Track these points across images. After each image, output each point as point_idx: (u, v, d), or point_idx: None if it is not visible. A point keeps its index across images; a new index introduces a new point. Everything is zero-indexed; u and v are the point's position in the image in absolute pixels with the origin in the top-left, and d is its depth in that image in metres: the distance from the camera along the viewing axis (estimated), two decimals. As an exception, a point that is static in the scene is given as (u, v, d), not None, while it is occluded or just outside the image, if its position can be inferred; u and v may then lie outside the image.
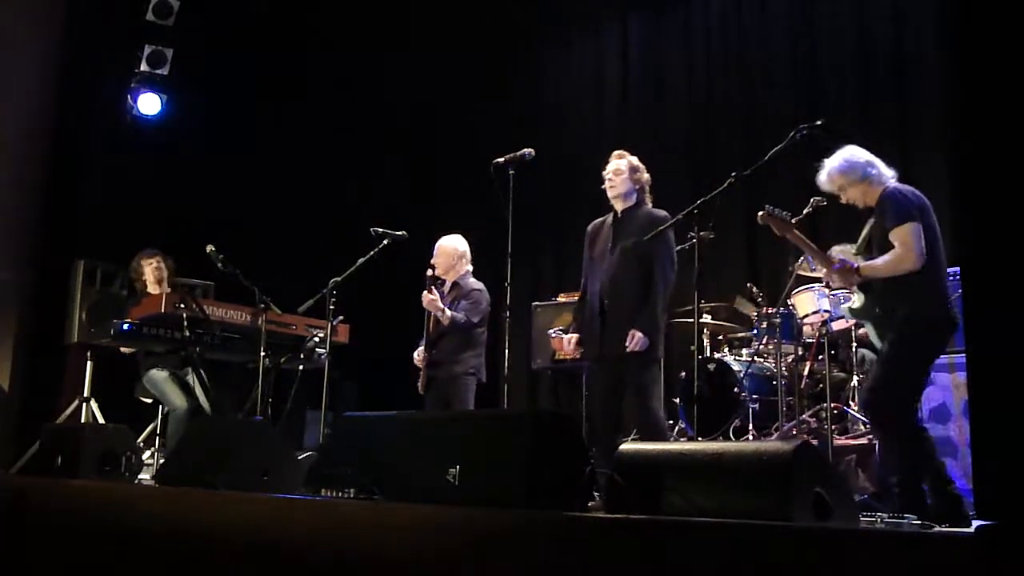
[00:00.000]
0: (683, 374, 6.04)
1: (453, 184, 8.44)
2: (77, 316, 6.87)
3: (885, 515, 3.73)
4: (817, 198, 5.09)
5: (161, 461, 5.48)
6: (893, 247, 3.89)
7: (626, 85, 8.22)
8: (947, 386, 4.96)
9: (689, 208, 4.39)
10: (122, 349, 6.15)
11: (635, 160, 4.89)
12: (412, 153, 9.13)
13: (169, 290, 6.13)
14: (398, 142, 9.08)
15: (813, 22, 7.17)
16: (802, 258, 5.20)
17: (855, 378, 5.58)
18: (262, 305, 5.73)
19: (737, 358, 6.15)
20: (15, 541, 3.85)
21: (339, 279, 5.47)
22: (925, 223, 3.88)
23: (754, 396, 5.82)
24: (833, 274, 4.11)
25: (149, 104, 7.91)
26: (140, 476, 4.70)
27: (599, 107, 8.39)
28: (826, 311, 5.59)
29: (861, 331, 5.42)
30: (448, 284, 5.62)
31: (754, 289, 6.26)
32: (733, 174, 4.27)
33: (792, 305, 5.80)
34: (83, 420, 6.22)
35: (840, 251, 4.27)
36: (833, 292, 5.42)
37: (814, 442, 5.06)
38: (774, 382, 5.82)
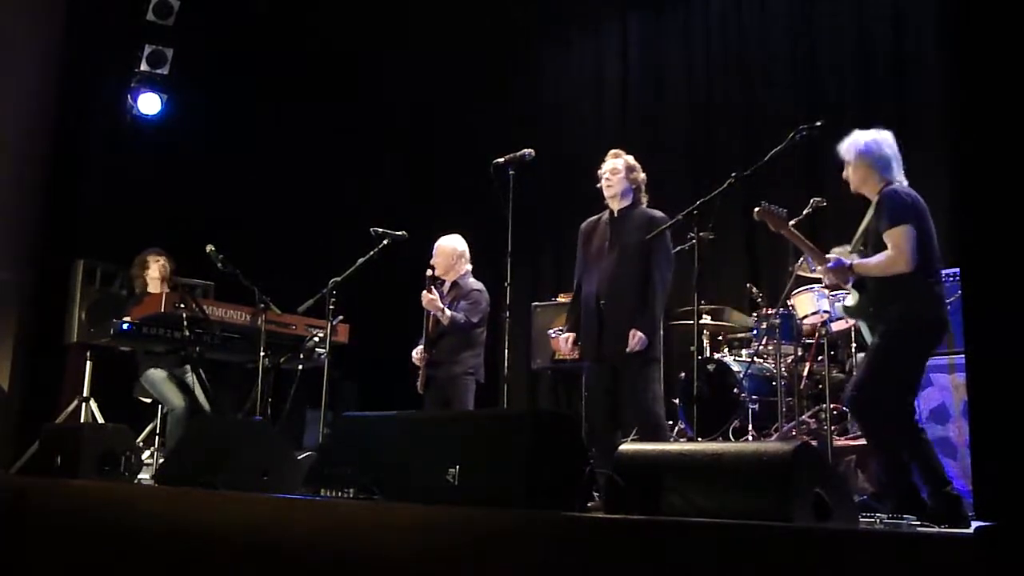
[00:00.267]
0: (683, 375, 6.03)
1: (453, 184, 8.44)
2: (77, 316, 6.87)
3: (885, 516, 3.74)
4: (817, 198, 5.09)
5: (161, 461, 5.48)
6: (886, 247, 3.90)
7: (626, 85, 8.21)
8: (946, 387, 4.95)
9: (689, 208, 4.39)
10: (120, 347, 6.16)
11: (631, 159, 4.87)
12: (412, 153, 9.12)
13: (169, 290, 6.14)
14: (398, 142, 9.08)
15: (813, 22, 7.16)
16: (802, 259, 5.19)
17: (855, 379, 5.58)
18: (262, 305, 5.73)
19: (737, 359, 6.15)
20: (15, 541, 3.85)
21: (339, 279, 5.47)
22: (921, 227, 3.89)
23: (754, 397, 5.82)
24: (827, 271, 4.12)
25: (149, 104, 7.90)
26: (140, 476, 4.71)
27: (599, 107, 8.38)
28: (826, 312, 5.58)
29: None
30: (447, 284, 5.62)
31: (754, 290, 6.25)
32: (733, 174, 4.27)
33: (792, 306, 5.79)
34: (83, 420, 6.21)
35: (839, 252, 4.27)
36: (833, 293, 5.42)
37: (814, 443, 5.06)
38: (774, 383, 5.82)
